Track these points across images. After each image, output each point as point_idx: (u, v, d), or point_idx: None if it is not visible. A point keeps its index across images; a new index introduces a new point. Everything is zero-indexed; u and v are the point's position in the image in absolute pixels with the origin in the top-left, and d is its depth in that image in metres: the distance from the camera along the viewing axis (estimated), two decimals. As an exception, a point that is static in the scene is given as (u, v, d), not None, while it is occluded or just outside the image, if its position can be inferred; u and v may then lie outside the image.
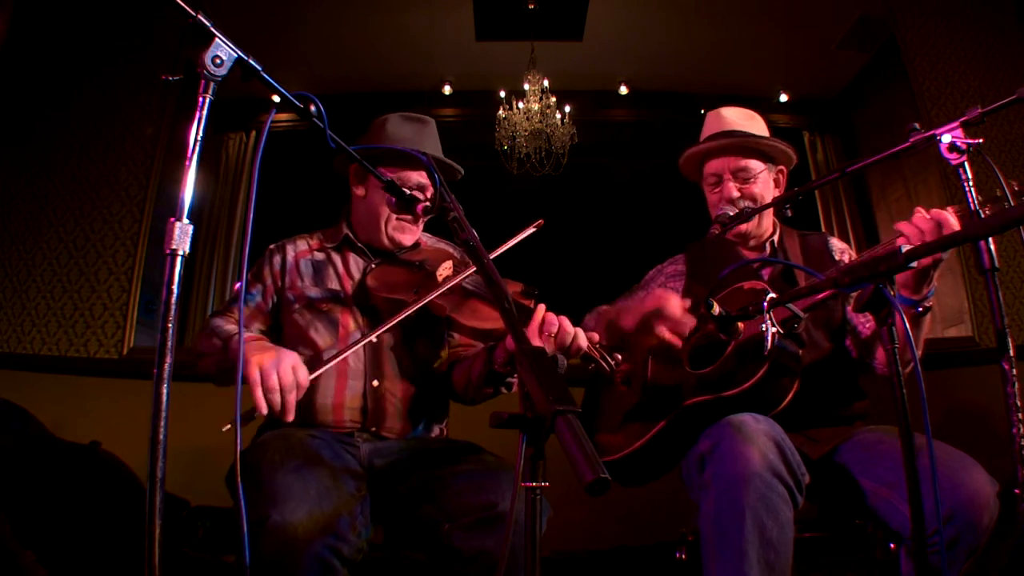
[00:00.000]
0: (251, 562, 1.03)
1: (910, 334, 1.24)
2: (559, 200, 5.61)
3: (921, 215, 1.41)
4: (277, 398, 1.33)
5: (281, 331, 1.71)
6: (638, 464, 1.64)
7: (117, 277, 3.49)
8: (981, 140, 1.28)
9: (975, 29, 3.94)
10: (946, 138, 1.29)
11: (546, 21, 4.59)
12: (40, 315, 3.43)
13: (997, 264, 1.21)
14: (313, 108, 1.14)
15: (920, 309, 1.46)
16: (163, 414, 0.90)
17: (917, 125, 1.35)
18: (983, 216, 1.31)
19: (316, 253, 1.79)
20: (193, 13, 0.95)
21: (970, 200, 1.30)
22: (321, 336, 1.66)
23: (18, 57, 3.51)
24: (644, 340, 1.67)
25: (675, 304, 1.59)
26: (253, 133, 5.16)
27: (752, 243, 1.86)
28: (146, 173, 3.61)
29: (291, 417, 1.35)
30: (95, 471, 2.44)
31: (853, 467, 1.50)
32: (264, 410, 1.32)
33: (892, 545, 1.52)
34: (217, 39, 0.97)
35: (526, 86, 4.91)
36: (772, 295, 1.34)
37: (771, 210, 1.84)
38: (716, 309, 1.39)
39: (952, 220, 1.38)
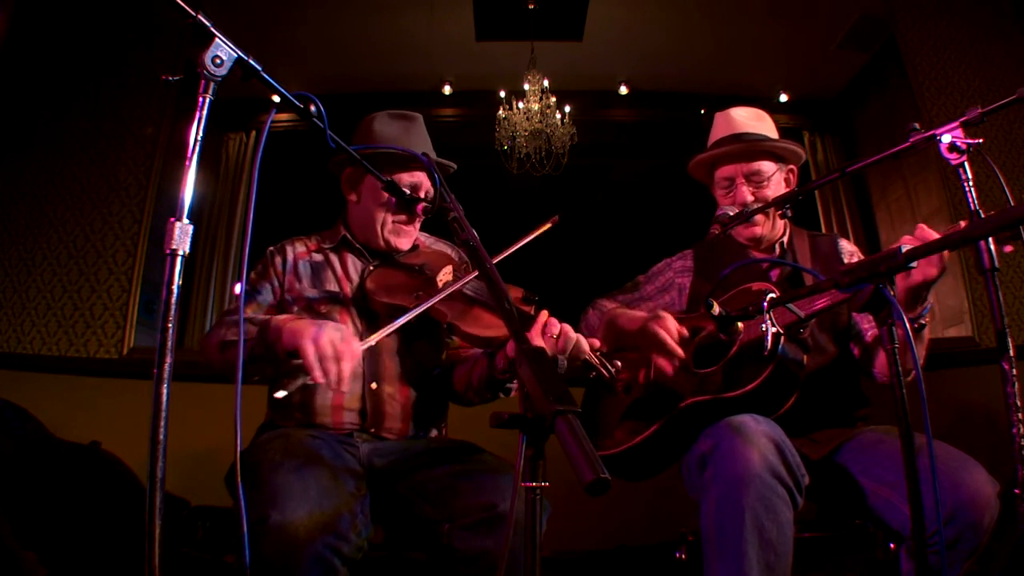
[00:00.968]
0: (251, 562, 1.02)
1: (912, 344, 1.23)
2: (559, 200, 5.61)
3: (924, 231, 1.37)
4: (332, 366, 1.31)
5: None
6: (637, 459, 1.65)
7: (117, 277, 3.49)
8: (981, 140, 1.28)
9: (975, 29, 3.94)
10: (946, 138, 1.29)
11: (546, 21, 4.59)
12: (40, 315, 3.43)
13: (997, 264, 1.21)
14: (313, 108, 1.14)
15: (915, 326, 1.46)
16: (163, 414, 0.90)
17: (917, 125, 1.34)
18: (983, 216, 1.30)
19: (314, 255, 1.78)
20: (193, 13, 0.95)
21: (970, 200, 1.29)
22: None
23: (18, 57, 3.51)
24: (640, 351, 1.67)
25: (671, 328, 1.60)
26: (253, 133, 5.16)
27: (763, 248, 1.84)
28: (146, 173, 3.61)
29: (345, 386, 1.36)
30: (95, 471, 2.44)
31: (853, 467, 1.50)
32: (320, 378, 1.31)
33: (892, 545, 1.52)
34: (217, 39, 0.97)
35: (526, 86, 4.91)
36: (772, 295, 1.34)
37: (774, 209, 1.82)
38: (716, 309, 1.39)
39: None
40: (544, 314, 1.50)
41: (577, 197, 5.80)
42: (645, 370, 1.73)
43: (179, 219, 0.95)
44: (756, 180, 1.78)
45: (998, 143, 3.64)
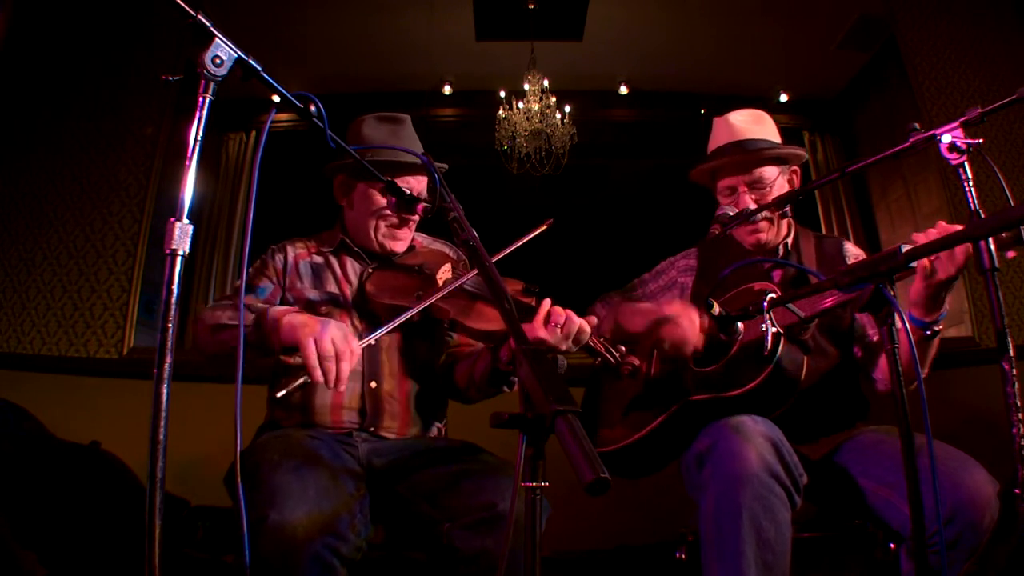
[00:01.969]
0: (251, 562, 1.02)
1: (915, 353, 1.23)
2: (559, 200, 5.61)
3: (935, 232, 1.36)
4: (332, 366, 1.31)
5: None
6: (635, 456, 1.65)
7: (117, 277, 3.49)
8: (981, 140, 1.28)
9: (975, 29, 3.94)
10: (946, 138, 1.29)
11: (546, 21, 4.59)
12: (40, 315, 3.43)
13: (997, 264, 1.21)
14: (313, 108, 1.14)
15: (929, 332, 1.46)
16: (163, 414, 0.90)
17: (917, 125, 1.34)
18: (983, 216, 1.30)
19: (315, 256, 1.79)
20: (193, 13, 0.95)
21: (970, 200, 1.29)
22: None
23: (18, 57, 3.51)
24: (652, 339, 1.67)
25: (694, 320, 1.58)
26: (253, 133, 5.16)
27: (766, 243, 1.83)
28: (146, 173, 3.61)
29: (343, 386, 1.35)
30: (95, 471, 2.44)
31: (853, 467, 1.50)
32: (320, 378, 1.30)
33: (892, 545, 1.52)
34: (217, 39, 0.97)
35: (526, 86, 4.91)
36: (772, 295, 1.34)
37: (775, 209, 1.81)
38: (716, 309, 1.39)
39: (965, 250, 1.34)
40: (547, 303, 1.50)
41: (577, 197, 5.80)
42: (647, 363, 1.73)
43: (179, 219, 0.95)
44: (759, 187, 1.75)
45: (998, 143, 3.64)
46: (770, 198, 1.75)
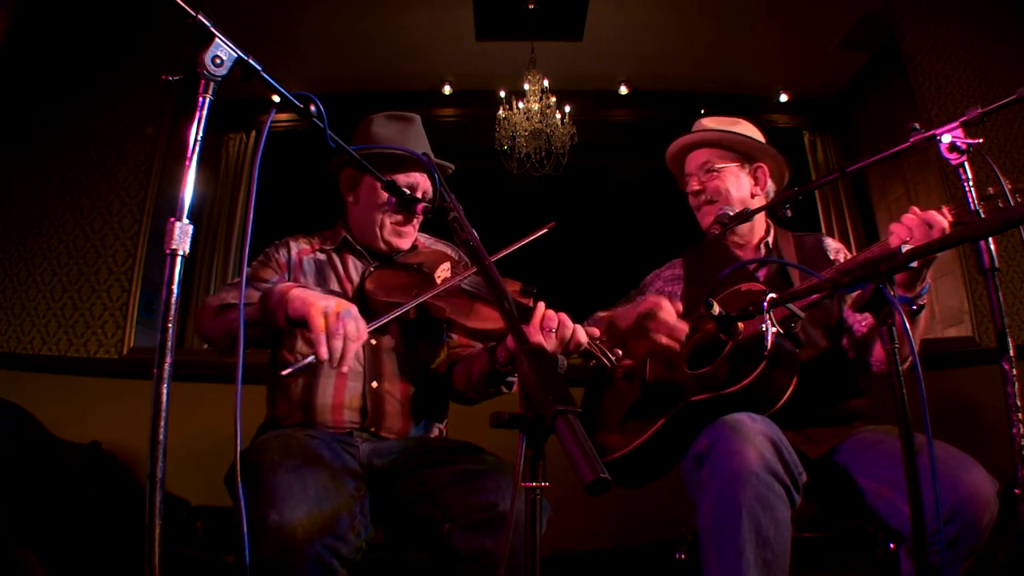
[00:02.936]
0: (251, 562, 1.02)
1: (909, 331, 1.24)
2: (559, 200, 5.61)
3: (910, 215, 1.43)
4: (339, 344, 1.28)
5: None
6: (637, 464, 1.65)
7: (117, 277, 3.49)
8: (981, 140, 1.28)
9: (975, 29, 3.94)
10: (946, 138, 1.29)
11: (546, 21, 4.59)
12: (40, 315, 3.43)
13: (997, 264, 1.21)
14: (313, 108, 1.13)
15: (915, 307, 1.47)
16: (163, 414, 0.90)
17: (917, 125, 1.35)
18: (983, 216, 1.31)
19: (317, 254, 1.79)
20: (193, 13, 0.95)
21: (970, 200, 1.30)
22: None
23: (18, 57, 3.51)
24: (641, 344, 1.68)
25: (668, 309, 1.60)
26: (253, 133, 5.16)
27: (743, 243, 1.87)
28: (146, 173, 3.61)
29: (346, 368, 1.31)
30: (95, 471, 2.44)
31: (852, 467, 1.50)
32: (325, 355, 1.27)
33: (892, 545, 1.52)
34: (217, 39, 0.97)
35: (526, 86, 4.91)
36: (772, 295, 1.34)
37: (775, 209, 1.83)
38: (716, 309, 1.40)
39: (940, 219, 1.39)
40: (541, 307, 1.50)
41: (577, 197, 5.80)
42: (642, 369, 1.73)
43: (179, 219, 0.95)
44: (706, 170, 1.85)
45: (998, 143, 3.64)
46: (718, 183, 1.83)
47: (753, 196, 1.85)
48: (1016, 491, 1.15)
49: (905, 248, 1.05)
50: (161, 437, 0.89)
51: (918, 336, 1.55)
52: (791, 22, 4.56)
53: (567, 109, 5.00)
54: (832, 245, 1.86)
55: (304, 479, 1.32)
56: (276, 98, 1.10)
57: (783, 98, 5.26)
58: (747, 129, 1.90)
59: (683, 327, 1.58)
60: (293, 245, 1.79)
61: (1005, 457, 1.18)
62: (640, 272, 2.04)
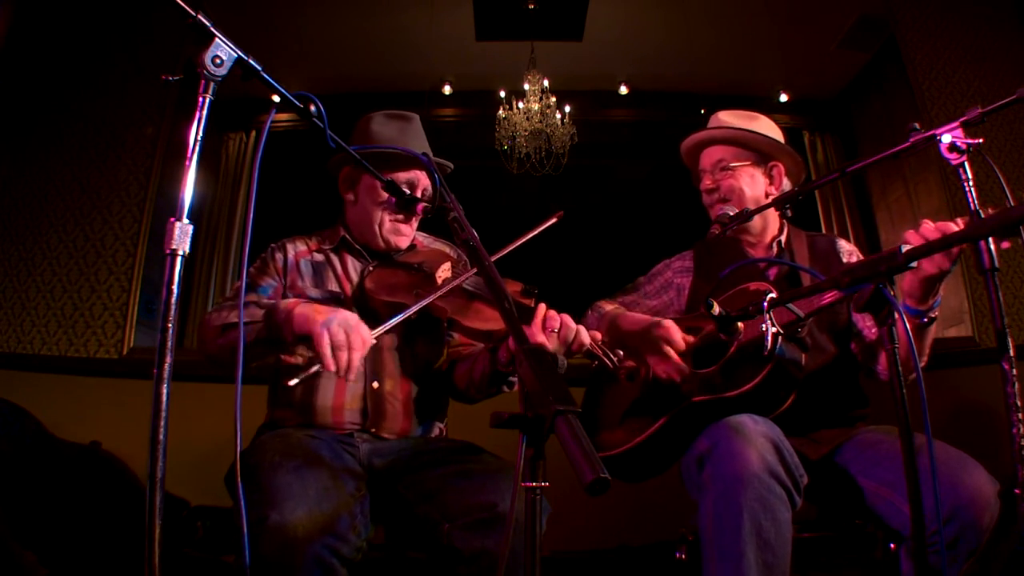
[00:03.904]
0: (251, 562, 1.02)
1: (913, 343, 1.23)
2: (559, 200, 5.60)
3: (928, 225, 1.40)
4: (345, 355, 1.30)
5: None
6: (637, 460, 1.65)
7: (117, 277, 3.49)
8: (981, 140, 1.28)
9: (975, 29, 3.94)
10: (946, 138, 1.29)
11: (546, 21, 4.59)
12: (40, 315, 3.43)
13: (997, 264, 1.21)
14: (313, 108, 1.13)
15: (925, 319, 1.46)
16: (163, 414, 0.90)
17: (917, 125, 1.34)
18: (983, 216, 1.30)
19: (315, 254, 1.79)
20: (193, 13, 0.95)
21: (970, 200, 1.30)
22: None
23: (18, 57, 3.51)
24: (641, 352, 1.68)
25: (677, 341, 1.60)
26: (253, 133, 5.16)
27: (753, 243, 1.85)
28: (146, 173, 3.61)
29: (353, 376, 1.33)
30: (95, 471, 2.44)
31: (853, 467, 1.50)
32: (332, 367, 1.29)
33: (892, 545, 1.52)
34: (217, 39, 0.97)
35: (526, 86, 4.91)
36: (772, 295, 1.34)
37: (775, 209, 1.82)
38: (716, 309, 1.39)
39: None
40: (542, 308, 1.50)
41: (577, 197, 5.80)
42: (645, 368, 1.73)
43: (179, 219, 0.95)
44: (720, 168, 1.82)
45: (998, 143, 3.64)
46: (732, 182, 1.80)
47: (767, 196, 1.82)
48: (1016, 491, 1.15)
49: (905, 248, 1.05)
50: (161, 437, 0.89)
51: (927, 346, 1.55)
52: (791, 22, 4.56)
53: (567, 109, 5.00)
54: (846, 247, 1.83)
55: (304, 479, 1.32)
56: (276, 98, 1.10)
57: (783, 98, 5.26)
58: (765, 125, 1.87)
59: (684, 369, 1.59)
60: (290, 247, 1.79)
61: (1005, 457, 1.18)
62: (640, 272, 2.03)
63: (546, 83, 4.88)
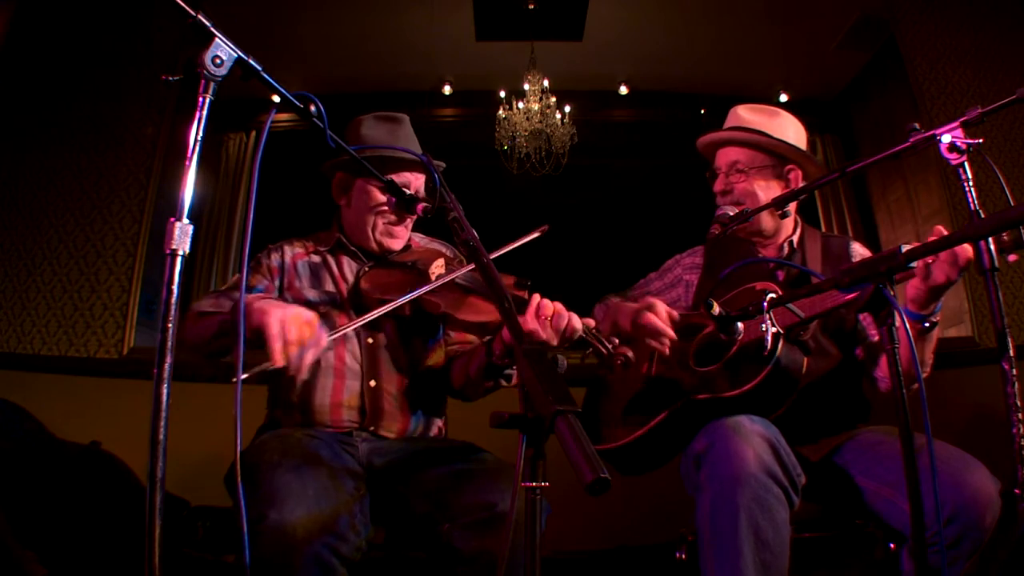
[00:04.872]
0: (251, 562, 1.02)
1: (914, 347, 1.23)
2: (559, 200, 5.61)
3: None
4: (295, 351, 1.28)
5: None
6: (635, 454, 1.65)
7: (117, 277, 3.49)
8: (981, 140, 1.28)
9: (975, 29, 3.94)
10: (946, 138, 1.29)
11: (546, 21, 4.59)
12: (40, 315, 3.43)
13: (997, 264, 1.21)
14: (313, 108, 1.14)
15: (927, 324, 1.46)
16: (163, 414, 0.90)
17: (917, 125, 1.34)
18: (983, 216, 1.30)
19: (312, 256, 1.79)
20: (193, 13, 0.95)
21: (970, 200, 1.29)
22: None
23: (18, 57, 3.52)
24: (639, 338, 1.68)
25: (660, 312, 1.61)
26: (253, 133, 5.16)
27: (767, 242, 1.82)
28: (146, 173, 3.61)
29: (304, 375, 1.32)
30: (95, 471, 2.44)
31: (853, 467, 1.50)
32: (281, 363, 1.27)
33: (892, 545, 1.52)
34: (217, 39, 0.97)
35: (526, 86, 4.91)
36: (772, 295, 1.34)
37: (793, 209, 1.79)
38: (716, 309, 1.39)
39: (967, 248, 1.32)
40: (536, 297, 1.50)
41: (577, 197, 5.80)
42: (648, 364, 1.73)
43: (179, 219, 0.94)
44: (736, 170, 1.79)
45: (998, 143, 3.64)
46: (747, 185, 1.77)
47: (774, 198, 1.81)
48: (1016, 491, 1.15)
49: (905, 248, 1.05)
50: (161, 437, 0.89)
51: (930, 352, 1.54)
52: (791, 22, 4.56)
53: (567, 109, 5.00)
54: (859, 251, 1.80)
55: (304, 479, 1.32)
56: (276, 98, 1.10)
57: (783, 98, 5.25)
58: (786, 122, 1.85)
59: (669, 333, 1.59)
60: (287, 249, 1.79)
61: (1005, 457, 1.18)
62: (640, 272, 2.03)
63: (546, 83, 4.88)
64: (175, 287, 0.93)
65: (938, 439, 1.28)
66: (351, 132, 1.78)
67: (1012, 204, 1.29)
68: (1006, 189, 1.32)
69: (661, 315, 1.63)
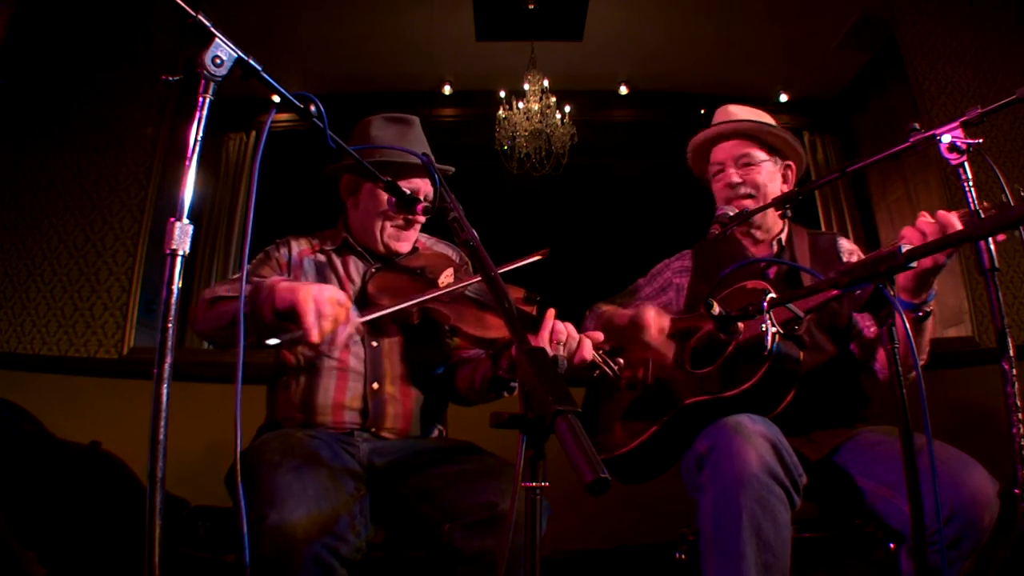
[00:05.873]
0: (251, 562, 1.02)
1: (912, 340, 1.23)
2: (559, 200, 5.60)
3: (925, 219, 1.39)
4: (329, 325, 1.27)
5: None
6: (637, 462, 1.65)
7: (117, 277, 3.49)
8: (981, 140, 1.28)
9: (975, 29, 3.94)
10: (946, 138, 1.29)
11: (546, 21, 4.59)
12: (40, 315, 3.43)
13: (997, 264, 1.21)
14: (313, 108, 1.13)
15: (920, 313, 1.46)
16: (163, 414, 0.90)
17: (917, 125, 1.35)
18: (983, 216, 1.30)
19: (318, 254, 1.79)
20: (193, 13, 0.95)
21: (970, 200, 1.30)
22: (322, 337, 1.65)
23: (18, 57, 3.51)
24: (633, 348, 1.68)
25: (651, 324, 1.63)
26: (253, 133, 5.16)
27: (759, 239, 1.84)
28: (146, 173, 3.61)
29: (337, 352, 1.31)
30: (95, 471, 2.44)
31: (853, 468, 1.50)
32: (316, 337, 1.26)
33: (892, 545, 1.52)
34: (217, 39, 0.97)
35: (526, 86, 4.91)
36: (772, 295, 1.34)
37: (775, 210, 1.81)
38: (716, 309, 1.39)
39: (956, 223, 1.35)
40: (550, 316, 1.50)
41: (577, 197, 5.79)
42: (644, 370, 1.73)
43: (179, 219, 0.95)
44: (744, 162, 1.79)
45: (998, 143, 3.64)
46: (756, 177, 1.78)
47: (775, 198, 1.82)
48: (1016, 491, 1.15)
49: (905, 248, 1.05)
50: (161, 437, 0.89)
51: (926, 342, 1.54)
52: (791, 22, 4.56)
53: (567, 109, 5.00)
54: (846, 246, 1.83)
55: (304, 479, 1.32)
56: (276, 98, 1.10)
57: (783, 98, 5.26)
58: (770, 121, 1.86)
59: (664, 345, 1.60)
60: (294, 244, 1.79)
61: (1005, 457, 1.18)
62: (639, 272, 2.03)
63: (546, 83, 4.89)
64: (175, 287, 0.93)
65: (937, 439, 1.28)
66: (360, 132, 1.77)
67: (1012, 204, 1.30)
68: (1006, 189, 1.31)
69: (650, 320, 1.63)
